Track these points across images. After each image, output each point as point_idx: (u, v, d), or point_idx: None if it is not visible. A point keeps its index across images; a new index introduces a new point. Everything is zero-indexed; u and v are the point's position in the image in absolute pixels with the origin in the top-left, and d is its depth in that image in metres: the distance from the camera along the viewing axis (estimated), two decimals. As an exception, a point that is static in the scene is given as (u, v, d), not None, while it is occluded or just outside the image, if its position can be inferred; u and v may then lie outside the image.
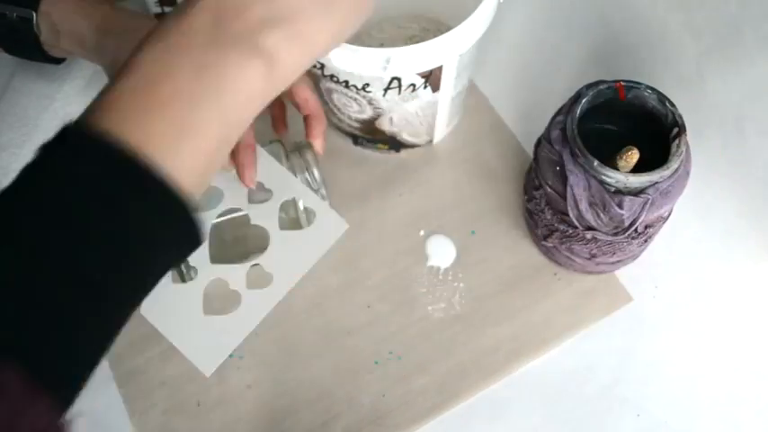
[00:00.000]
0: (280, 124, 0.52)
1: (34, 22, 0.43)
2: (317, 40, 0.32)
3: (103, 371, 0.50)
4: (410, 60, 0.44)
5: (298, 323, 0.51)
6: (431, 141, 0.58)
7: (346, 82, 0.47)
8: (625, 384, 0.48)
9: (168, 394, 0.49)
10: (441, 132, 0.57)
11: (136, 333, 0.51)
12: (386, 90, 0.47)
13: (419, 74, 0.46)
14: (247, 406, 0.48)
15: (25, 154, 0.51)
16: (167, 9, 0.60)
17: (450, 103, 0.53)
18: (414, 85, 0.47)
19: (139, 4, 0.60)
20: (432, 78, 0.47)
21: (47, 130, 0.52)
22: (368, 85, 0.47)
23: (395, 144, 0.56)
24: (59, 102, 0.53)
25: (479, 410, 0.48)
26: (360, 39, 0.60)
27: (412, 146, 0.57)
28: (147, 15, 0.44)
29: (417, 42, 0.43)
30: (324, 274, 0.52)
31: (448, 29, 0.44)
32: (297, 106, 0.49)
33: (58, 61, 0.47)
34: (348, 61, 0.44)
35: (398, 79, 0.46)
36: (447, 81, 0.49)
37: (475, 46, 0.49)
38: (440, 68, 0.46)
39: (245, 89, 0.29)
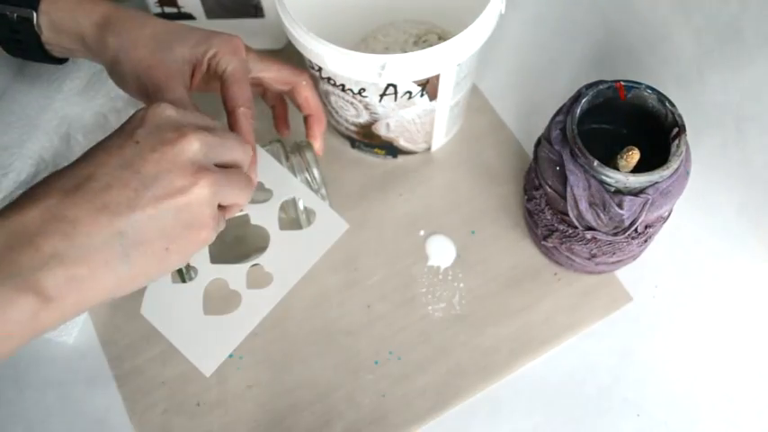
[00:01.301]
0: (282, 124, 0.52)
1: (35, 21, 0.43)
2: (103, 287, 0.31)
3: (103, 371, 0.50)
4: (406, 68, 0.43)
5: (298, 323, 0.51)
6: (428, 149, 0.57)
7: (342, 86, 0.47)
8: (625, 384, 0.48)
9: (168, 394, 0.49)
10: (438, 141, 0.57)
11: (136, 333, 0.51)
12: (382, 96, 0.47)
13: (415, 82, 0.46)
14: (247, 406, 0.48)
15: (25, 154, 0.51)
16: (168, 9, 0.60)
17: (448, 113, 0.53)
18: (410, 92, 0.47)
19: (139, 4, 0.60)
20: (429, 87, 0.47)
21: (47, 130, 0.52)
22: (364, 90, 0.47)
23: (392, 150, 0.56)
24: (59, 102, 0.53)
25: (479, 410, 0.48)
26: (365, 42, 0.60)
27: (409, 152, 0.57)
28: (148, 14, 0.44)
29: (424, 48, 0.43)
30: (324, 274, 0.52)
31: (453, 37, 0.44)
32: (298, 106, 0.49)
33: (59, 61, 0.47)
34: (344, 66, 0.44)
35: (394, 86, 0.46)
36: (445, 90, 0.49)
37: (475, 56, 0.48)
38: (437, 77, 0.46)
39: (9, 322, 0.28)
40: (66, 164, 0.52)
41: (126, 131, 0.33)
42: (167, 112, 0.34)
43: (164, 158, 0.32)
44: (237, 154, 0.36)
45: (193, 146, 0.32)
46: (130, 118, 0.34)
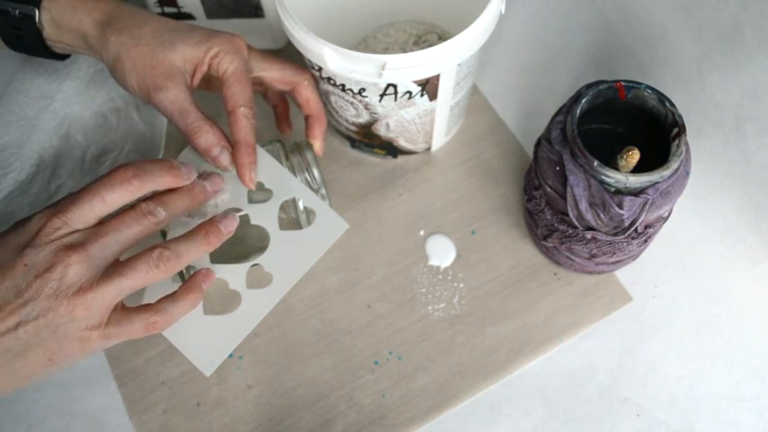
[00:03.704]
0: (284, 122, 0.53)
1: (37, 18, 0.43)
2: None
3: (103, 371, 0.50)
4: (406, 68, 0.43)
5: (298, 323, 0.51)
6: (428, 149, 0.58)
7: (342, 86, 0.47)
8: (625, 384, 0.48)
9: (168, 394, 0.49)
10: (438, 141, 0.57)
11: (136, 333, 0.51)
12: (382, 96, 0.47)
13: (415, 82, 0.46)
14: (247, 406, 0.48)
15: (25, 154, 0.51)
16: (167, 9, 0.60)
17: (448, 113, 0.53)
18: (410, 92, 0.47)
19: (139, 4, 0.60)
20: (429, 86, 0.47)
21: (46, 130, 0.52)
22: (364, 90, 0.47)
23: (392, 150, 0.56)
24: (59, 102, 0.53)
25: (479, 410, 0.48)
26: (365, 42, 0.60)
27: (409, 152, 0.57)
28: (149, 12, 0.44)
29: (424, 49, 0.43)
30: (324, 274, 0.52)
31: (453, 37, 0.44)
32: (299, 106, 0.49)
33: (62, 57, 0.47)
34: (344, 66, 0.44)
35: (394, 86, 0.46)
36: (445, 90, 0.49)
37: (475, 56, 0.48)
38: (437, 77, 0.46)
39: None
40: (66, 164, 0.52)
41: (18, 244, 0.35)
42: (57, 226, 0.35)
43: (46, 285, 0.34)
44: (134, 237, 0.37)
45: (74, 270, 0.35)
46: (27, 223, 0.36)
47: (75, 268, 0.34)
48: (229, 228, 0.40)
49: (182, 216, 0.41)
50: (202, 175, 0.42)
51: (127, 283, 0.36)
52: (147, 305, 0.38)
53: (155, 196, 0.39)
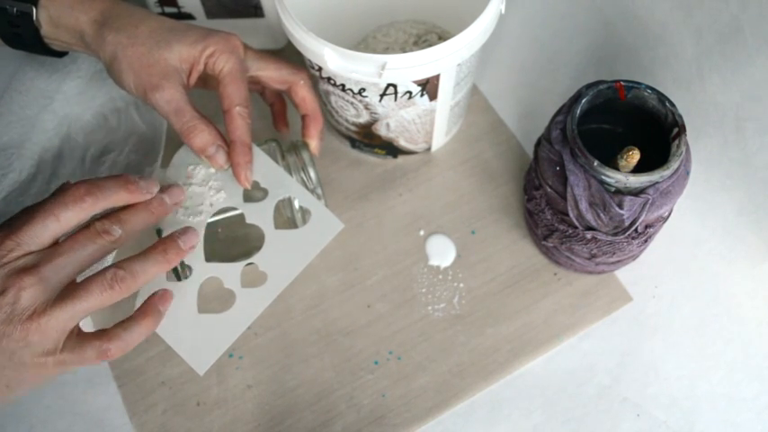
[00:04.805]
0: (281, 121, 0.53)
1: (34, 17, 0.43)
2: None
3: (103, 371, 0.50)
4: (406, 68, 0.43)
5: (298, 323, 0.51)
6: (428, 149, 0.58)
7: (342, 86, 0.47)
8: (625, 384, 0.48)
9: (168, 394, 0.49)
10: (438, 141, 0.57)
11: (136, 333, 0.51)
12: (382, 96, 0.47)
13: (415, 82, 0.46)
14: (247, 406, 0.48)
15: (25, 154, 0.51)
16: (168, 9, 0.60)
17: (448, 113, 0.53)
18: (410, 92, 0.47)
19: (139, 4, 0.60)
20: (429, 86, 0.47)
21: (46, 130, 0.52)
22: (364, 90, 0.47)
23: (392, 150, 0.56)
24: (59, 102, 0.53)
25: (479, 410, 0.48)
26: (365, 42, 0.60)
27: (409, 152, 0.57)
28: (146, 11, 0.44)
29: (424, 49, 0.43)
30: (323, 275, 0.52)
31: (453, 37, 0.44)
32: (295, 105, 0.49)
33: (60, 54, 0.47)
34: (344, 66, 0.44)
35: (394, 86, 0.46)
36: (445, 90, 0.49)
37: (475, 56, 0.48)
38: (437, 77, 0.46)
39: None
40: (66, 164, 0.52)
41: None
42: (10, 248, 0.34)
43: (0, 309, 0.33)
44: (89, 258, 0.36)
45: (27, 293, 0.34)
46: None
47: (29, 291, 0.33)
48: (189, 243, 0.39)
49: (144, 228, 0.40)
50: (161, 188, 0.41)
51: (81, 306, 0.35)
52: (101, 331, 0.37)
53: (111, 214, 0.38)
